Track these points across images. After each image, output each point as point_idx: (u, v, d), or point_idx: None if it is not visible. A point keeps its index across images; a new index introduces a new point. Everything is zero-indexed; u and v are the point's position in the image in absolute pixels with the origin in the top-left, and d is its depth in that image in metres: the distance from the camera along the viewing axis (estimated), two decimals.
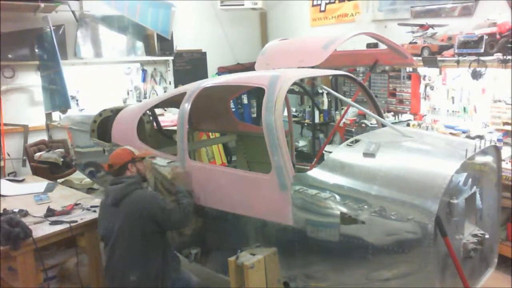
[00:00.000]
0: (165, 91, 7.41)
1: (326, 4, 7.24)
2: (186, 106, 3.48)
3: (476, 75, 4.66)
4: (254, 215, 3.05)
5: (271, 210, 2.93)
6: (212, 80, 3.82)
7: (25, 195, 4.10)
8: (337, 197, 2.64)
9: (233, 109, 7.34)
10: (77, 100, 6.69)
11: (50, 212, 3.54)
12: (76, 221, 3.43)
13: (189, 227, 3.34)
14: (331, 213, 2.65)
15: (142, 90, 7.42)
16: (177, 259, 3.35)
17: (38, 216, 3.50)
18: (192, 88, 3.58)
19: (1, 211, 3.56)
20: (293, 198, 2.79)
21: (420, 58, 5.02)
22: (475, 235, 2.77)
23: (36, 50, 6.39)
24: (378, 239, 2.50)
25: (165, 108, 6.33)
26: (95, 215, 3.44)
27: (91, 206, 3.69)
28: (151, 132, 4.84)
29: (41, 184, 4.44)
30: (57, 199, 3.94)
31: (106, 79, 6.97)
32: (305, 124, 7.35)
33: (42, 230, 3.29)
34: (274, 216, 2.92)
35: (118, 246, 3.02)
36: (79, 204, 3.75)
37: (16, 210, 3.57)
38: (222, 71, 8.11)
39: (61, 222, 3.39)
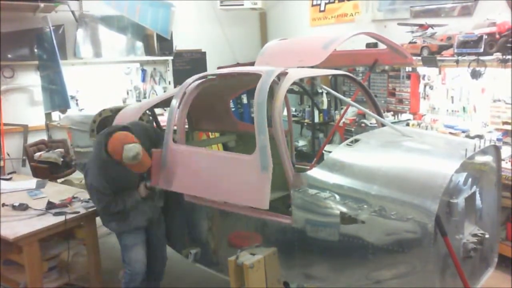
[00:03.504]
0: (164, 91, 7.41)
1: (326, 4, 7.24)
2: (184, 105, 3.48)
3: (475, 75, 4.66)
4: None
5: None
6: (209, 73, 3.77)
7: (18, 191, 4.15)
8: (337, 196, 2.64)
9: (233, 109, 7.34)
10: (76, 100, 6.67)
11: (50, 205, 3.68)
12: (79, 212, 3.61)
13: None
14: (331, 213, 2.65)
15: (142, 90, 7.41)
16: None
17: (39, 209, 3.63)
18: (192, 88, 3.59)
19: (1, 206, 3.68)
20: (293, 198, 2.80)
21: (420, 57, 5.01)
22: (475, 235, 2.77)
23: (36, 50, 6.37)
24: (378, 238, 2.50)
25: (165, 108, 6.32)
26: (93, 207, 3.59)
27: (89, 199, 3.78)
28: None
29: (30, 181, 4.49)
30: (52, 194, 4.02)
31: (105, 79, 6.96)
32: (305, 124, 7.35)
33: (47, 221, 3.44)
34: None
35: None
36: (77, 197, 3.89)
37: (17, 204, 3.68)
38: None
39: (63, 213, 3.53)
